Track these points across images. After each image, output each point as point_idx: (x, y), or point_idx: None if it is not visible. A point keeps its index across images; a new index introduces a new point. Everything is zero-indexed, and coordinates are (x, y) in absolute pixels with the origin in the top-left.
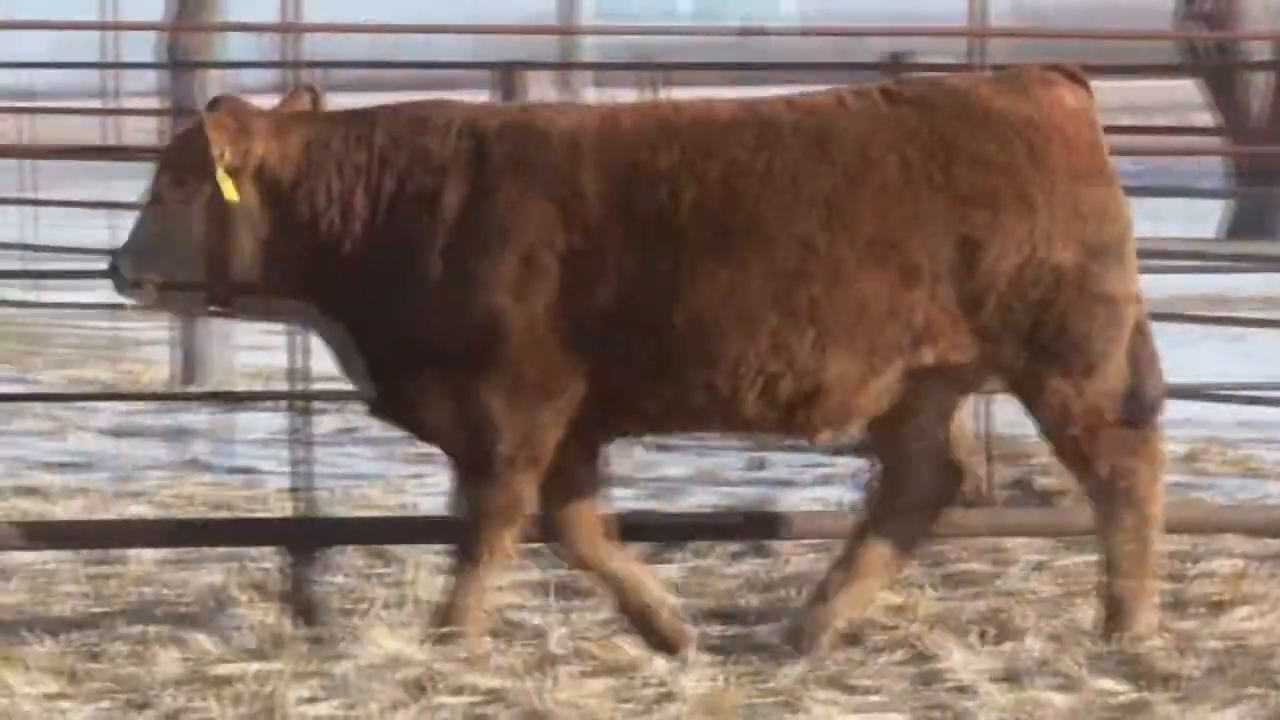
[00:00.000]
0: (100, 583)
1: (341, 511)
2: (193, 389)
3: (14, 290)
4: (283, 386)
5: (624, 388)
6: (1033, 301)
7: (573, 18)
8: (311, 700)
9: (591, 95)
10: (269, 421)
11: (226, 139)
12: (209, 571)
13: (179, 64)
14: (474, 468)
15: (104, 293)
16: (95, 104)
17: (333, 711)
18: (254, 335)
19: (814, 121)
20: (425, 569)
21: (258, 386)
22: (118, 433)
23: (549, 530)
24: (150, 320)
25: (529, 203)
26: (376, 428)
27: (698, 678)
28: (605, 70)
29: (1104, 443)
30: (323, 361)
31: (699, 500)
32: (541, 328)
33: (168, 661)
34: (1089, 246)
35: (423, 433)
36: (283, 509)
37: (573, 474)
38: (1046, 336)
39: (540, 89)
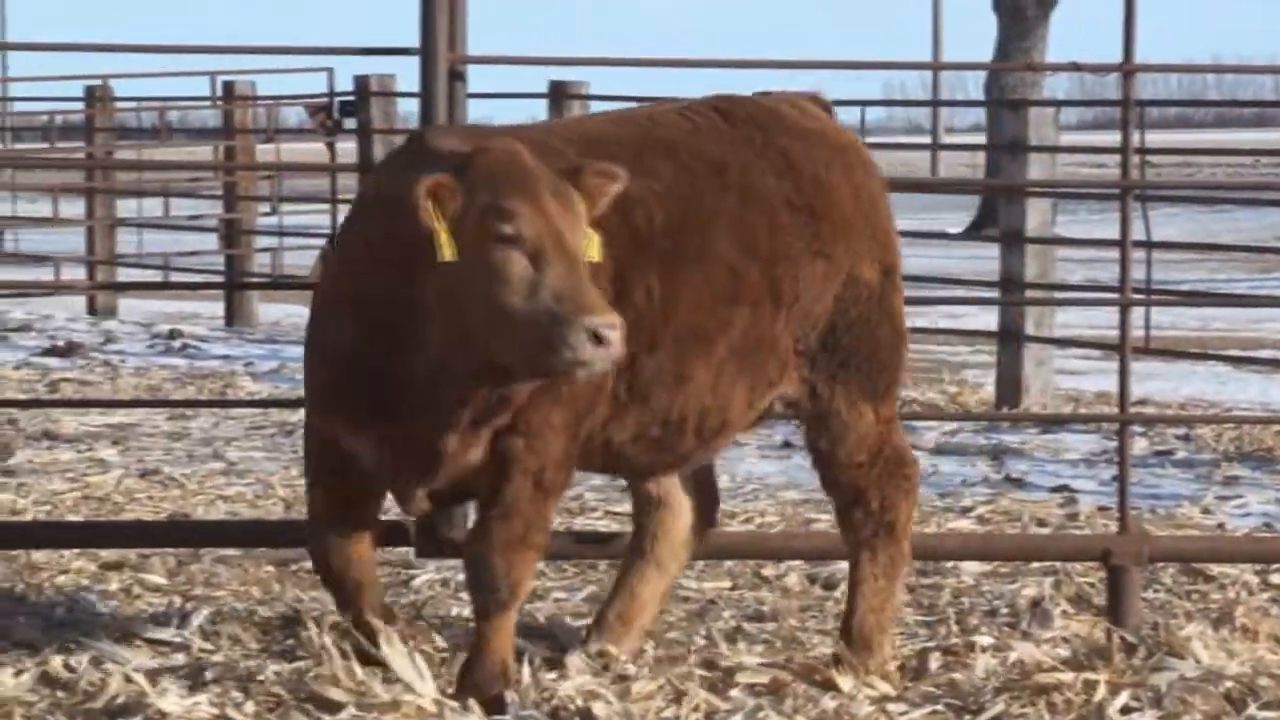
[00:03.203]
0: (924, 592)
1: (1157, 530)
2: (1013, 410)
3: None
4: (1099, 410)
5: None
6: (852, 319)
7: None
8: (1131, 710)
9: None
10: (1086, 442)
11: None
12: (1029, 584)
13: (999, 101)
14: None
15: (926, 319)
16: (920, 139)
17: None
18: (1071, 360)
19: (701, 145)
20: (1243, 587)
21: (1072, 409)
22: (941, 451)
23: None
24: (972, 345)
25: None
26: (1189, 451)
27: None
28: None
29: (881, 472)
30: (1140, 386)
31: None
32: None
33: (992, 669)
34: (885, 266)
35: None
36: (1100, 526)
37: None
38: (855, 357)
39: None
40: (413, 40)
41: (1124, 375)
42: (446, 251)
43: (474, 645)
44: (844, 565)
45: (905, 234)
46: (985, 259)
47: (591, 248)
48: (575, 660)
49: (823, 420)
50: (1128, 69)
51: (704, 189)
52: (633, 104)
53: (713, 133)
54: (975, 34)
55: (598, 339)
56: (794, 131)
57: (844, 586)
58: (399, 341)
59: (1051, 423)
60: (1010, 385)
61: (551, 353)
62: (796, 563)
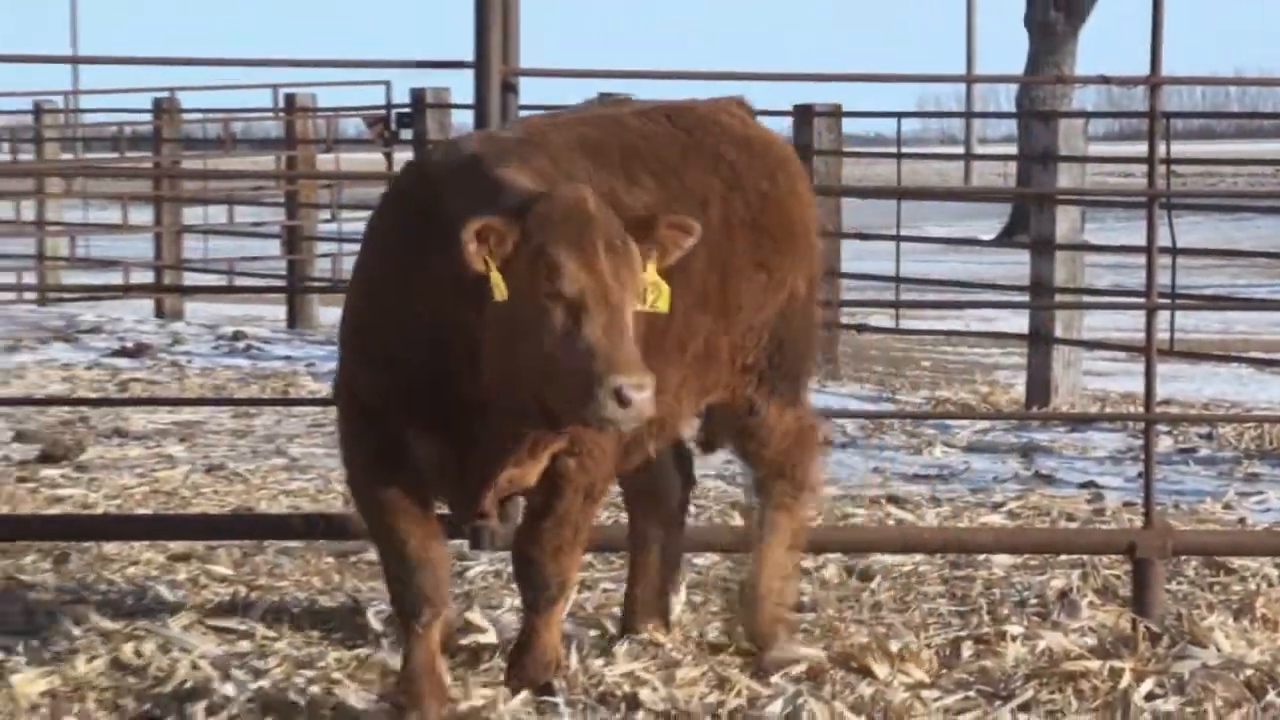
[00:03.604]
0: (957, 584)
1: (1180, 525)
2: (1042, 410)
3: (882, 318)
4: (1125, 409)
5: None
6: (791, 331)
7: None
8: (1155, 697)
9: None
10: (1112, 441)
11: None
12: (1058, 576)
13: (1030, 113)
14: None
15: (960, 322)
16: (954, 150)
17: (1175, 708)
18: (1098, 362)
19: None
20: (1263, 579)
21: (1100, 409)
22: (973, 448)
23: None
24: (1003, 347)
25: None
26: (1212, 449)
27: None
28: None
29: (801, 448)
30: (1165, 387)
31: None
32: None
33: (1022, 657)
34: (809, 275)
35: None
36: (1125, 521)
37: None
38: (789, 365)
39: None
40: (467, 54)
41: (1149, 376)
42: (498, 292)
43: (524, 636)
44: (882, 558)
45: (940, 241)
46: (1016, 264)
47: (661, 300)
48: (623, 647)
49: (751, 427)
50: (1154, 82)
51: (677, 197)
52: None
53: (671, 140)
54: (1007, 48)
55: (621, 399)
56: (738, 143)
57: (879, 578)
58: (461, 363)
59: (1079, 422)
60: (1040, 386)
61: (582, 406)
62: (834, 555)
